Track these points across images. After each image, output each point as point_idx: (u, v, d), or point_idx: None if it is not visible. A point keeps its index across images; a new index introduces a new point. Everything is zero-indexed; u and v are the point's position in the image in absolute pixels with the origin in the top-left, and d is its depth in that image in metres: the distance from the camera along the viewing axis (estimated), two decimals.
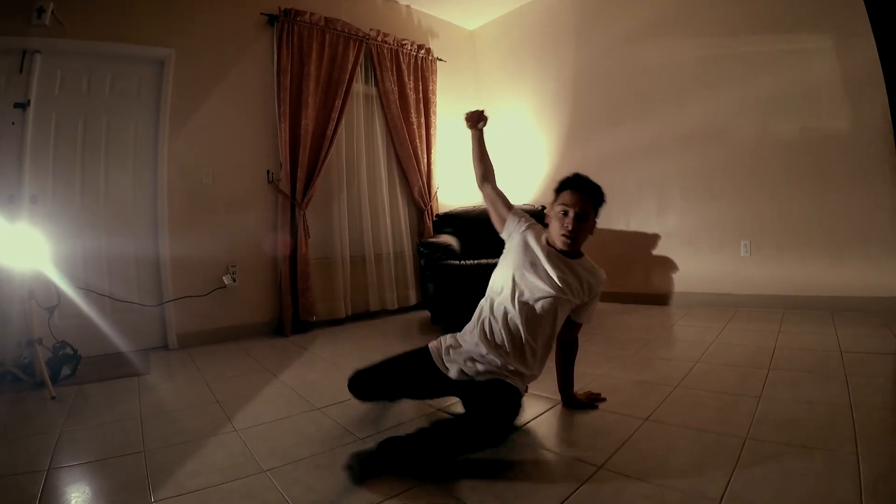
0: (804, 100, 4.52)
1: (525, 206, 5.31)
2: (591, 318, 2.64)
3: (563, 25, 6.41)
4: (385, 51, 6.08)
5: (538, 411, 2.60)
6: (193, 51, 4.79)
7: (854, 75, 4.23)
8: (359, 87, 5.91)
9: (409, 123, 6.26)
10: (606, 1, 6.00)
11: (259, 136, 5.19)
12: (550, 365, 2.64)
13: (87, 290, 4.20)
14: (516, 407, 2.24)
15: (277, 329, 5.17)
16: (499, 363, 2.32)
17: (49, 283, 3.78)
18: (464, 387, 2.35)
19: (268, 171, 5.20)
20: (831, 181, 4.42)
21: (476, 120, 2.70)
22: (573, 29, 6.31)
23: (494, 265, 2.66)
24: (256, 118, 5.18)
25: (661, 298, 5.56)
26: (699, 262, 5.28)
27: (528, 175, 6.75)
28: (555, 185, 2.59)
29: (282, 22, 5.17)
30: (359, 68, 5.80)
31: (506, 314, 2.38)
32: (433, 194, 6.50)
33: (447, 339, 2.53)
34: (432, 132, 6.52)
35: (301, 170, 5.20)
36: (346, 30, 5.65)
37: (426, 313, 5.50)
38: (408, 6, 6.70)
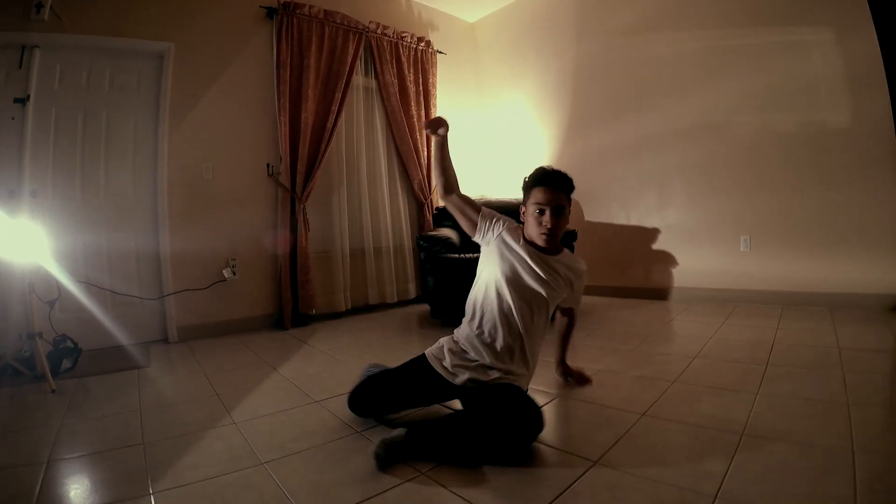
0: (804, 93, 4.50)
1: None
2: (578, 302, 2.77)
3: (563, 18, 6.39)
4: (385, 43, 6.07)
5: None
6: (193, 45, 4.78)
7: (855, 69, 4.22)
8: (358, 79, 5.91)
9: (409, 116, 6.25)
10: None
11: (259, 129, 5.19)
12: (543, 359, 2.68)
13: (88, 284, 4.21)
14: (538, 424, 2.10)
15: (277, 322, 5.18)
16: (504, 368, 2.34)
17: (49, 277, 3.79)
18: (472, 393, 2.31)
19: (268, 165, 5.20)
20: (832, 176, 4.41)
21: (436, 126, 2.59)
22: (573, 21, 6.29)
23: None
24: (256, 111, 5.18)
25: (660, 293, 5.57)
26: (699, 257, 5.28)
27: (527, 168, 6.68)
28: (522, 182, 2.63)
29: (281, 15, 5.16)
30: (358, 61, 5.79)
31: (503, 318, 2.39)
32: (433, 187, 6.48)
33: (447, 344, 2.51)
34: None
35: (301, 163, 5.20)
36: (346, 22, 5.64)
37: (426, 307, 5.51)
38: None
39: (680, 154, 5.36)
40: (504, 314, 2.39)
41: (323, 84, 5.47)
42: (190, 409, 2.83)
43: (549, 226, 2.41)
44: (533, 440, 2.06)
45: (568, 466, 1.93)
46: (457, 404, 2.56)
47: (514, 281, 2.41)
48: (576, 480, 1.81)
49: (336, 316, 5.59)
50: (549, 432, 2.26)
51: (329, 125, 5.40)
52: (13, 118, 3.98)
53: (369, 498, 1.76)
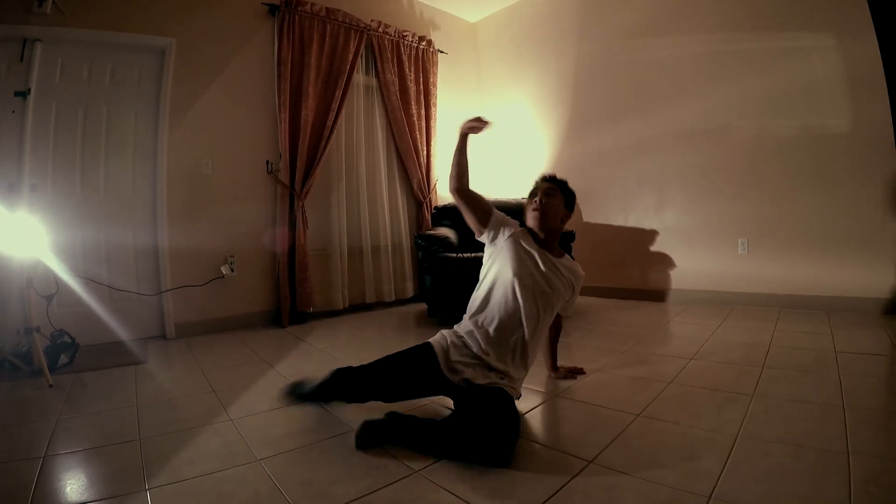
0: (804, 98, 4.51)
1: (523, 201, 5.30)
2: (572, 307, 2.83)
3: (564, 19, 6.39)
4: (386, 42, 6.08)
5: (530, 405, 2.61)
6: (194, 40, 4.79)
7: (855, 73, 4.22)
8: (359, 78, 5.91)
9: (409, 115, 6.26)
10: None
11: (259, 126, 5.20)
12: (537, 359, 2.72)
13: (86, 279, 4.21)
14: (514, 436, 2.09)
15: (275, 319, 5.19)
16: (503, 370, 2.35)
17: (48, 272, 3.79)
18: (463, 394, 2.30)
19: (267, 162, 5.20)
20: (830, 180, 4.42)
21: (480, 128, 2.58)
22: (575, 22, 6.29)
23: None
24: (256, 108, 5.18)
25: (658, 295, 5.58)
26: (697, 259, 5.29)
27: (527, 168, 6.73)
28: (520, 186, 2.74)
29: (283, 12, 5.16)
30: (359, 59, 5.80)
31: (512, 317, 2.42)
32: (432, 187, 6.50)
33: (449, 336, 2.50)
34: (432, 124, 6.52)
35: (300, 160, 5.20)
36: (347, 20, 5.64)
37: (423, 305, 5.52)
38: None
39: (679, 156, 5.36)
40: (513, 314, 2.41)
41: (323, 82, 5.47)
42: (187, 406, 2.83)
43: (539, 203, 2.63)
44: (501, 456, 1.97)
45: (563, 466, 1.93)
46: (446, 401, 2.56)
47: (525, 281, 2.44)
48: (570, 480, 1.81)
49: (334, 314, 5.59)
50: (544, 432, 2.28)
51: (329, 123, 5.41)
52: (14, 112, 3.98)
53: (364, 495, 1.77)
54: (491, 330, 2.41)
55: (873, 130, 4.13)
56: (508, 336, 2.40)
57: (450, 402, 2.50)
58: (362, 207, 5.93)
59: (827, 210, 4.44)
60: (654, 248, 5.63)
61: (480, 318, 2.47)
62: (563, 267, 2.60)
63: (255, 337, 4.60)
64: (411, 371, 2.39)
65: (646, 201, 5.69)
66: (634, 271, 5.81)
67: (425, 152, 6.44)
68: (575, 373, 3.05)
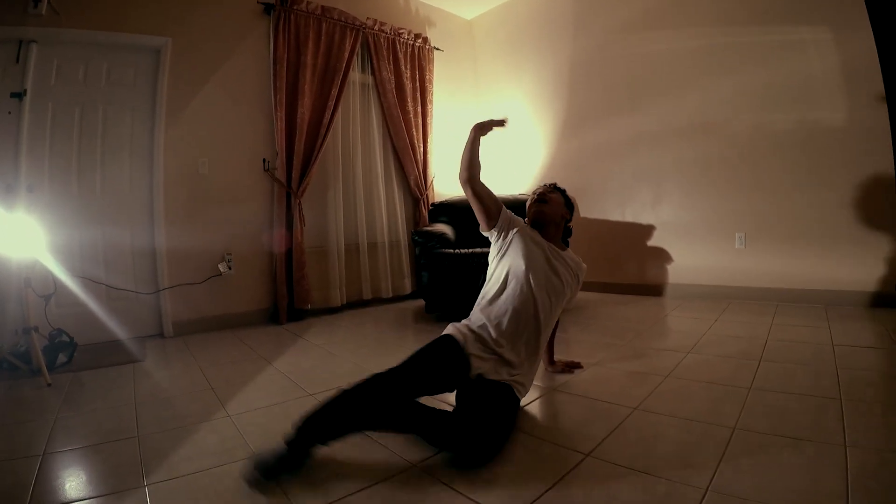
0: (801, 92, 4.51)
1: (521, 196, 5.32)
2: (573, 300, 2.85)
3: (560, 14, 6.40)
4: (382, 40, 6.08)
5: (528, 399, 2.61)
6: (190, 40, 4.78)
7: (851, 68, 4.22)
8: (355, 76, 5.91)
9: (405, 113, 6.26)
10: None
11: (255, 125, 5.19)
12: None
13: (84, 279, 4.21)
14: (503, 439, 2.07)
15: (273, 317, 5.19)
16: (516, 362, 2.36)
17: (45, 272, 3.79)
18: (470, 386, 2.24)
19: (264, 160, 5.20)
20: (827, 174, 4.42)
21: (492, 126, 2.60)
22: (571, 18, 6.30)
23: (489, 254, 2.71)
24: (252, 107, 5.18)
25: (655, 289, 5.58)
26: (694, 254, 5.30)
27: (524, 164, 6.75)
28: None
29: (278, 11, 5.16)
30: (355, 57, 5.80)
31: (527, 311, 2.43)
32: (429, 184, 6.51)
33: (462, 329, 2.46)
34: (429, 121, 6.52)
35: (297, 158, 5.20)
36: (343, 18, 5.64)
37: (421, 302, 5.52)
38: None
39: (676, 151, 5.37)
40: (527, 306, 2.43)
41: (319, 80, 5.47)
42: (184, 403, 2.83)
43: (538, 192, 2.81)
44: (485, 456, 1.94)
45: (560, 459, 1.94)
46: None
47: (538, 274, 2.48)
48: (568, 473, 1.82)
49: (331, 311, 5.59)
50: (541, 425, 2.28)
51: (325, 121, 5.41)
52: (10, 113, 3.98)
53: (361, 489, 1.77)
54: (504, 322, 2.40)
55: (869, 124, 4.14)
56: (522, 328, 2.41)
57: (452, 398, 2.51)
58: (359, 205, 5.94)
59: (824, 203, 4.44)
60: (651, 242, 5.63)
61: (493, 311, 2.46)
62: (569, 259, 2.68)
63: (253, 334, 4.60)
64: (439, 363, 2.27)
65: (643, 196, 5.69)
66: (632, 266, 5.81)
67: (422, 149, 6.45)
68: (572, 367, 3.06)
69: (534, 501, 1.64)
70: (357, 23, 5.77)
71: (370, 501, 1.73)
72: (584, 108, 6.23)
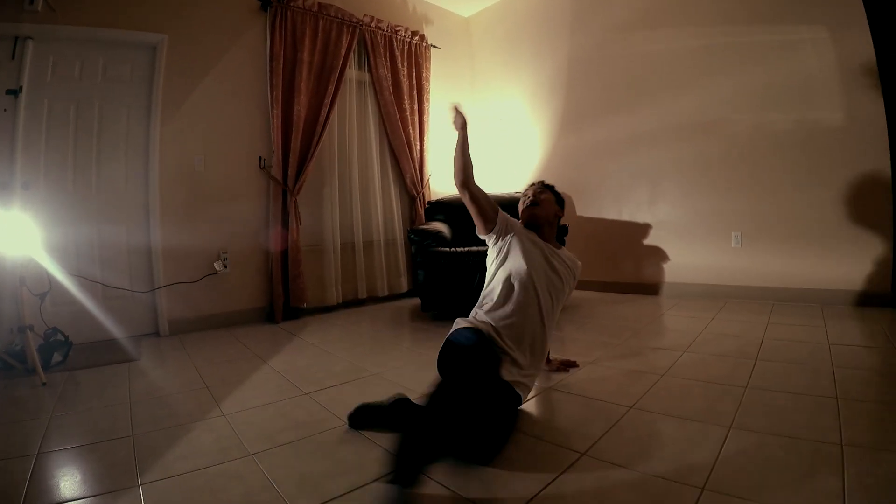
0: (799, 91, 4.51)
1: (517, 195, 5.31)
2: (567, 301, 2.86)
3: (558, 12, 6.39)
4: (379, 37, 6.06)
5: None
6: (186, 36, 4.76)
7: (850, 67, 4.22)
8: (352, 73, 5.89)
9: (402, 110, 6.25)
10: None
11: (251, 122, 5.18)
12: None
13: (79, 277, 4.20)
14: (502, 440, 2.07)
15: (268, 316, 5.18)
16: (523, 363, 2.37)
17: (40, 270, 3.77)
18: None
19: (260, 158, 5.19)
20: (824, 173, 4.42)
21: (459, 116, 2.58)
22: (569, 16, 6.29)
23: (485, 252, 2.73)
24: (248, 104, 5.16)
25: (651, 288, 5.59)
26: (690, 253, 5.30)
27: (521, 162, 6.75)
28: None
29: (275, 7, 5.14)
30: (352, 54, 5.78)
31: (532, 310, 2.44)
32: (425, 182, 6.50)
33: (479, 323, 2.45)
34: (425, 119, 6.51)
35: (293, 156, 5.19)
36: (340, 15, 5.62)
37: (417, 300, 5.52)
38: None
39: (673, 150, 5.36)
40: (531, 306, 2.44)
41: (316, 77, 5.45)
42: (179, 402, 2.83)
43: (531, 197, 2.76)
44: (484, 456, 1.93)
45: (556, 458, 1.93)
46: None
47: (539, 274, 2.50)
48: (563, 472, 1.82)
49: (327, 309, 5.58)
50: (537, 424, 2.28)
51: (322, 118, 5.39)
52: (5, 110, 3.96)
53: (356, 488, 1.77)
54: (511, 324, 2.40)
55: (867, 124, 4.15)
56: (528, 329, 2.42)
57: None
58: (355, 203, 5.92)
59: (821, 203, 4.44)
60: (647, 241, 5.63)
61: (498, 314, 2.45)
62: (565, 257, 2.70)
63: (249, 333, 4.59)
64: (488, 361, 2.22)
65: (640, 195, 5.69)
66: (628, 265, 5.81)
67: (418, 147, 6.44)
68: (568, 365, 3.07)
69: (529, 500, 1.64)
70: (354, 20, 5.75)
71: (365, 498, 1.72)
72: (582, 107, 6.23)
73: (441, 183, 6.69)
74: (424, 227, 5.25)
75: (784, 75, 4.58)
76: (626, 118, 5.74)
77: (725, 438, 1.99)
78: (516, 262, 2.50)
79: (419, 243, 4.96)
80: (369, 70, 6.05)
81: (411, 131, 6.34)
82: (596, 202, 6.06)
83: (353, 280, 5.89)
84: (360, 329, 4.69)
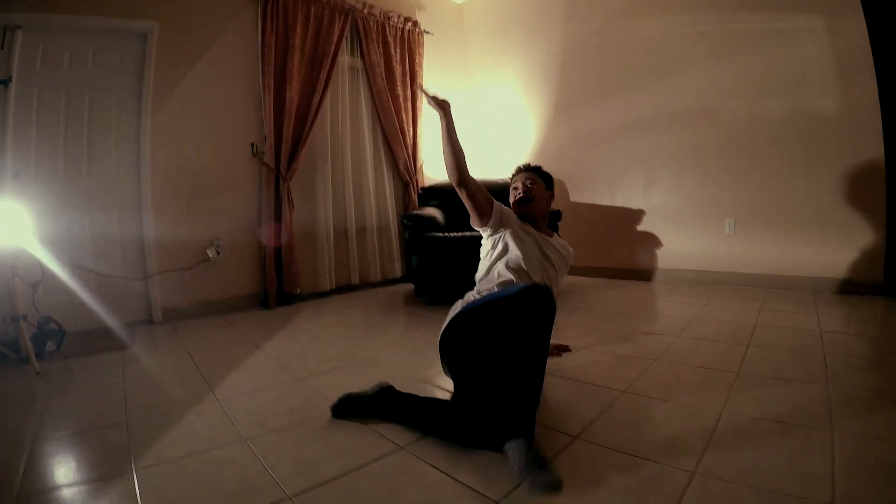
0: (795, 79, 4.50)
1: (509, 181, 5.31)
2: (560, 287, 2.86)
3: None
4: (371, 23, 6.02)
5: None
6: (177, 24, 4.71)
7: (845, 55, 4.21)
8: (344, 59, 5.87)
9: (394, 97, 6.23)
10: None
11: (243, 109, 5.15)
12: None
13: (72, 266, 4.18)
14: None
15: (262, 302, 5.18)
16: None
17: (33, 259, 3.75)
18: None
19: (252, 145, 5.17)
20: (818, 162, 4.42)
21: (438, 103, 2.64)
22: (564, 3, 6.25)
23: (479, 238, 2.75)
24: (240, 91, 5.13)
25: (644, 274, 5.61)
26: (683, 239, 5.31)
27: (514, 149, 6.73)
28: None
29: None
30: (344, 41, 5.74)
31: None
32: (419, 168, 6.49)
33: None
34: (418, 105, 6.48)
35: (285, 143, 5.17)
36: (332, 1, 5.58)
37: (410, 286, 5.53)
38: None
39: (667, 137, 5.36)
40: None
41: (308, 64, 5.42)
42: (173, 388, 2.84)
43: (521, 190, 2.74)
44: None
45: (548, 441, 1.94)
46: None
47: (534, 264, 2.51)
48: (556, 455, 1.83)
49: (321, 295, 5.59)
50: None
51: (314, 105, 5.37)
52: None
53: (349, 472, 1.78)
54: None
55: (861, 112, 4.15)
56: None
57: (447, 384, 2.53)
58: (348, 189, 5.92)
59: (814, 191, 4.45)
60: (641, 227, 5.65)
61: None
62: (557, 245, 2.72)
63: (243, 319, 4.59)
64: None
65: (633, 181, 5.70)
66: (622, 251, 5.82)
67: (411, 133, 6.42)
68: (561, 350, 3.08)
69: (521, 482, 1.65)
70: (346, 6, 5.71)
71: (359, 482, 1.73)
72: (576, 93, 6.21)
73: (434, 169, 6.66)
74: (418, 212, 5.26)
75: (780, 63, 4.57)
76: (620, 105, 5.73)
77: (717, 423, 2.00)
78: (511, 255, 2.52)
79: (413, 228, 4.97)
80: (362, 56, 6.02)
81: (404, 117, 6.32)
82: (590, 188, 6.07)
83: (346, 266, 5.89)
84: (353, 314, 4.70)
